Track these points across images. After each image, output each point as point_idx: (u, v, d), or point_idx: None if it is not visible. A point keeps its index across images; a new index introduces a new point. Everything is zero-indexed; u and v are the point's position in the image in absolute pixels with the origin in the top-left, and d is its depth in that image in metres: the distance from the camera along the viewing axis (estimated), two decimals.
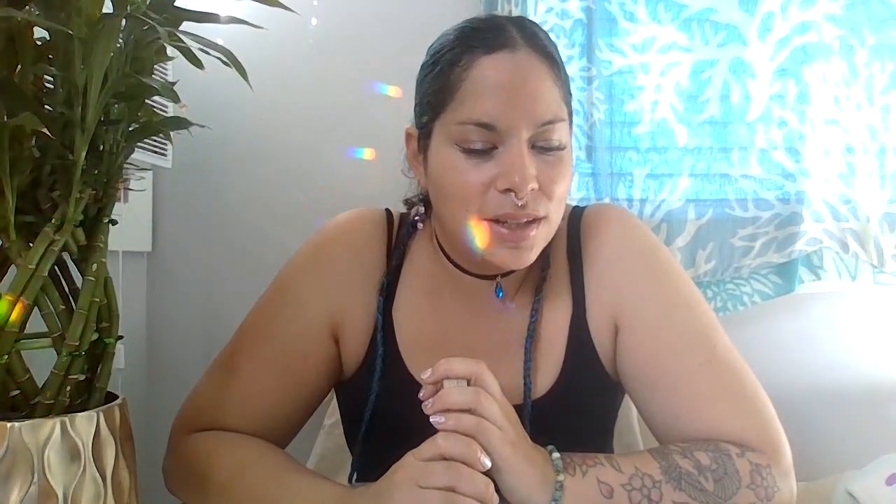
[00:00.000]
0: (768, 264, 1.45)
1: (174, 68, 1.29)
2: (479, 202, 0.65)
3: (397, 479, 0.56)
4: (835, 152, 1.45)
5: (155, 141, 1.34)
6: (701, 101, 1.47)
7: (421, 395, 0.61)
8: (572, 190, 1.46)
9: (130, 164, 0.60)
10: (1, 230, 0.49)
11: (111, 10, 0.48)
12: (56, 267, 0.51)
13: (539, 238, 0.68)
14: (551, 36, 0.71)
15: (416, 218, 0.80)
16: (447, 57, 0.68)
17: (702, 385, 0.68)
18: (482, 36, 0.67)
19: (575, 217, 0.79)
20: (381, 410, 0.74)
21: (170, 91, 0.50)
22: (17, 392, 0.50)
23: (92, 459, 0.48)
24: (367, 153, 1.45)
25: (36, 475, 0.45)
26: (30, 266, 0.48)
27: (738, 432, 0.65)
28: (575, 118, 1.44)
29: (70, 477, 0.47)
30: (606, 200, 1.45)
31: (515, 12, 1.37)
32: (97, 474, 0.48)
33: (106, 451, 0.49)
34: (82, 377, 0.51)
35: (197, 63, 0.53)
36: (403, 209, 0.84)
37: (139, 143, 1.01)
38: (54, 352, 0.50)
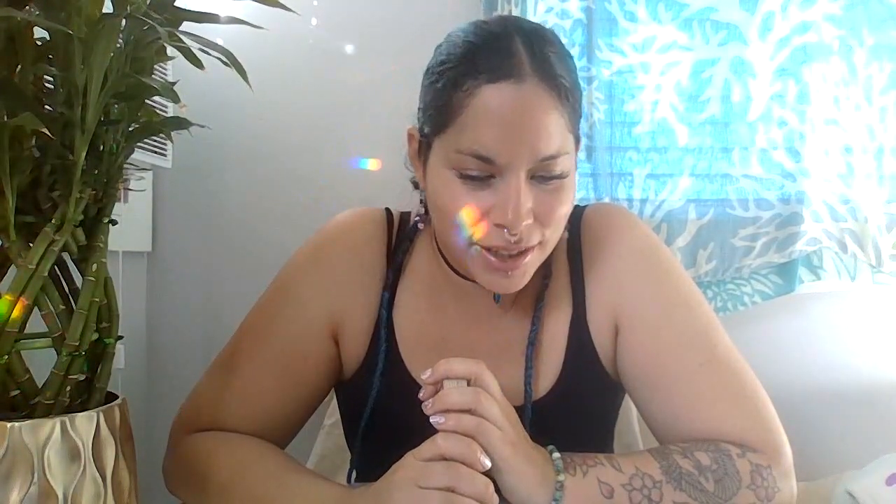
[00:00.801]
0: (769, 264, 1.45)
1: (174, 68, 1.29)
2: (472, 228, 0.64)
3: (397, 479, 0.56)
4: (834, 152, 1.45)
5: (155, 141, 1.34)
6: (701, 101, 1.47)
7: (421, 395, 0.61)
8: None
9: (130, 164, 0.60)
10: (1, 230, 0.49)
11: (111, 10, 0.48)
12: (56, 267, 0.51)
13: (531, 264, 0.67)
14: (564, 56, 0.66)
15: (417, 219, 0.80)
16: (450, 75, 0.64)
17: (702, 385, 0.68)
18: (489, 59, 0.62)
19: (575, 216, 0.79)
20: (381, 410, 0.74)
21: (170, 91, 0.50)
22: (17, 392, 0.50)
23: (92, 459, 0.48)
24: (371, 164, 1.45)
25: (36, 475, 0.45)
26: (30, 266, 0.48)
27: (739, 432, 0.65)
28: None
29: (70, 477, 0.46)
30: (606, 200, 1.45)
31: (515, 12, 1.37)
32: (97, 474, 0.48)
33: (106, 451, 0.49)
34: (82, 377, 0.51)
35: (197, 63, 0.53)
36: (403, 209, 0.84)
37: (139, 143, 1.01)
38: (54, 352, 0.50)
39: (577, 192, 1.44)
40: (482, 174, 0.63)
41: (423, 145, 0.70)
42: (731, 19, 1.46)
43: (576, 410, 0.73)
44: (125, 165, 0.57)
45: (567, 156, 0.64)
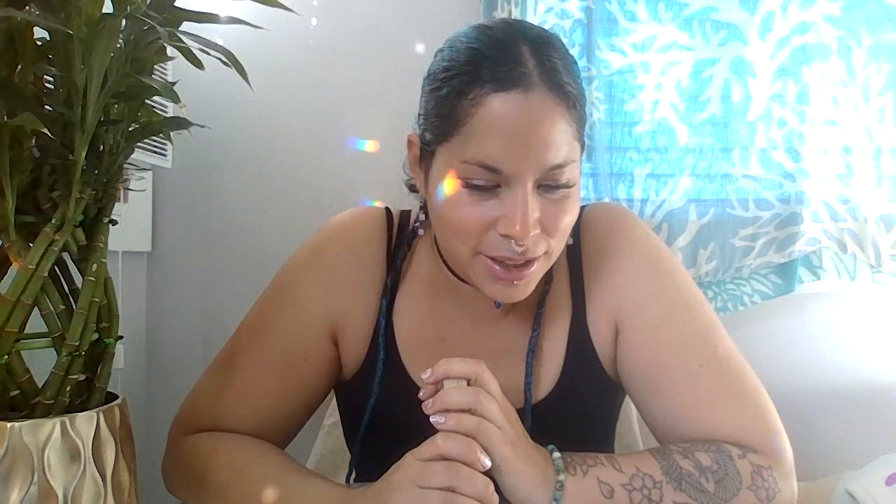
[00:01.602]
0: (768, 264, 1.45)
1: (174, 68, 1.29)
2: (478, 239, 0.64)
3: (397, 479, 0.56)
4: (833, 152, 1.45)
5: (155, 141, 1.34)
6: (702, 101, 1.47)
7: (421, 395, 0.61)
8: None
9: (130, 164, 0.60)
10: (1, 230, 0.49)
11: (111, 10, 0.48)
12: (56, 267, 0.51)
13: (536, 274, 0.66)
14: (570, 63, 0.65)
15: (417, 224, 0.79)
16: (455, 83, 0.63)
17: (703, 386, 0.67)
18: (495, 68, 0.61)
19: None
20: (381, 412, 0.74)
21: (170, 91, 0.50)
22: (17, 392, 0.50)
23: (92, 459, 0.48)
24: (369, 145, 1.45)
25: (36, 475, 0.45)
26: (30, 266, 0.48)
27: (740, 433, 0.65)
28: None
29: (70, 477, 0.47)
30: (606, 200, 1.45)
31: (515, 13, 1.37)
32: (97, 474, 0.48)
33: (106, 451, 0.49)
34: (82, 377, 0.51)
35: (197, 63, 0.53)
36: (403, 208, 0.84)
37: (139, 143, 1.01)
38: (54, 352, 0.50)
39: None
40: (488, 184, 0.62)
41: (424, 152, 0.68)
42: (732, 19, 1.45)
43: (576, 412, 0.73)
44: (125, 165, 0.57)
45: (573, 164, 0.64)
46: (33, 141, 0.51)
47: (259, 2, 0.55)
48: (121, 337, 0.54)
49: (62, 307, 0.50)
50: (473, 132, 0.61)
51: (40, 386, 0.50)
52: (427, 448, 0.56)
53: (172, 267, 1.51)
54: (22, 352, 0.49)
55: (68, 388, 0.49)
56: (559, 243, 0.66)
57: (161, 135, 0.62)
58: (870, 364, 1.49)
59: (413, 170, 0.73)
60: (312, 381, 0.76)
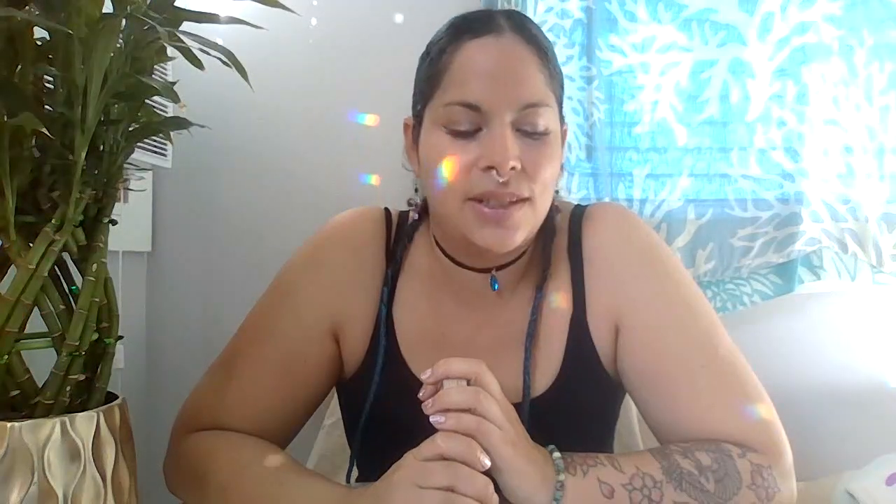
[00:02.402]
0: (768, 264, 1.45)
1: (174, 68, 1.29)
2: (464, 182, 0.66)
3: (396, 479, 0.56)
4: (834, 152, 1.45)
5: (155, 141, 1.34)
6: (700, 102, 1.47)
7: (420, 394, 0.61)
8: (572, 190, 1.46)
9: (130, 164, 0.60)
10: (1, 230, 0.49)
11: (111, 10, 0.48)
12: (56, 267, 0.51)
13: (524, 221, 0.68)
14: (543, 30, 0.72)
15: (412, 208, 0.80)
16: (438, 45, 0.70)
17: (703, 385, 0.67)
18: (470, 24, 0.69)
19: (576, 215, 0.79)
20: (382, 408, 0.74)
21: (170, 91, 0.50)
22: (17, 392, 0.50)
23: (92, 459, 0.48)
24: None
25: (36, 475, 0.45)
26: (30, 266, 0.48)
27: (740, 433, 0.65)
28: (575, 118, 1.45)
29: (70, 477, 0.47)
30: (606, 200, 1.45)
31: None
32: (97, 474, 0.48)
33: (106, 451, 0.49)
34: (82, 377, 0.51)
35: (197, 63, 0.53)
36: (403, 208, 0.84)
37: (139, 143, 1.01)
38: (54, 352, 0.50)
39: (578, 192, 1.46)
40: (470, 127, 0.66)
41: (415, 128, 0.73)
42: (731, 20, 1.46)
43: (575, 410, 0.73)
44: (125, 165, 0.57)
45: (549, 110, 0.68)
46: (33, 141, 0.51)
47: (259, 2, 0.55)
48: (121, 337, 0.54)
49: (62, 307, 0.50)
50: (453, 78, 0.67)
51: (40, 386, 0.50)
52: (427, 448, 0.56)
53: (172, 267, 1.51)
54: (22, 352, 0.49)
55: (68, 388, 0.49)
56: (542, 194, 0.69)
57: (161, 135, 0.62)
58: (870, 364, 1.49)
59: (409, 155, 0.76)
60: (313, 381, 0.76)
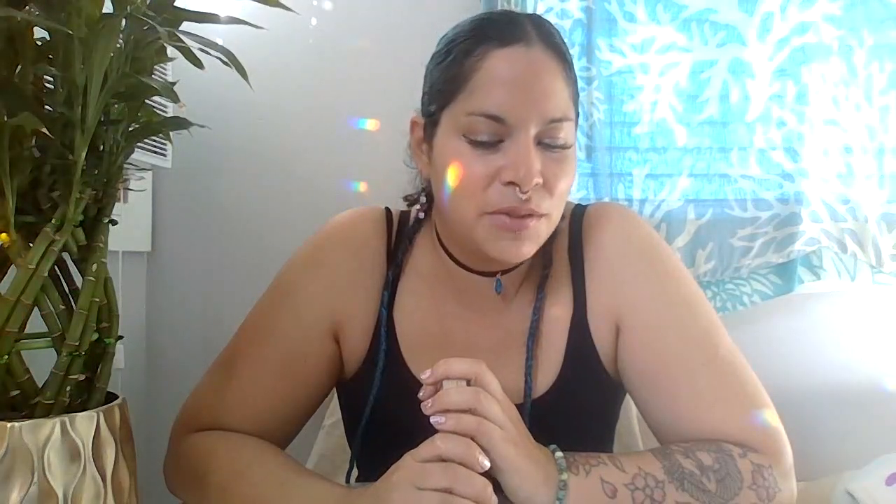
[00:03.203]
0: (767, 264, 1.45)
1: (174, 68, 1.29)
2: (482, 194, 0.65)
3: (395, 480, 0.56)
4: (833, 152, 1.45)
5: (155, 141, 1.33)
6: (700, 102, 1.47)
7: (420, 395, 0.61)
8: (572, 190, 1.46)
9: (130, 164, 0.60)
10: (1, 230, 0.49)
11: (111, 10, 0.48)
12: (56, 267, 0.51)
13: (539, 232, 0.68)
14: (563, 39, 0.71)
15: (417, 207, 0.80)
16: (461, 47, 0.67)
17: (704, 385, 0.68)
18: (498, 28, 0.67)
19: (577, 215, 0.79)
20: (382, 409, 0.74)
21: (170, 91, 0.50)
22: (17, 392, 0.50)
23: (92, 459, 0.48)
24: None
25: (36, 475, 0.45)
26: (30, 266, 0.48)
27: (740, 433, 0.65)
28: None
29: (70, 477, 0.46)
30: (606, 200, 1.45)
31: None
32: (97, 474, 0.48)
33: (106, 451, 0.49)
34: (82, 377, 0.51)
35: (197, 63, 0.53)
36: (403, 208, 0.84)
37: (139, 143, 1.01)
38: (54, 352, 0.50)
39: (577, 192, 1.46)
40: (492, 138, 0.65)
41: (428, 127, 0.71)
42: (730, 20, 1.46)
43: (575, 410, 0.73)
44: (125, 165, 0.57)
45: (570, 124, 0.67)
46: (33, 141, 0.50)
47: (259, 2, 0.55)
48: (121, 337, 0.54)
49: (62, 307, 0.50)
50: (478, 85, 0.65)
51: (40, 386, 0.50)
52: (425, 449, 0.56)
53: (172, 267, 1.51)
54: (22, 352, 0.49)
55: (68, 388, 0.49)
56: (556, 209, 0.68)
57: (161, 135, 0.62)
58: (870, 364, 1.49)
59: (416, 153, 0.75)
60: (313, 381, 0.76)
